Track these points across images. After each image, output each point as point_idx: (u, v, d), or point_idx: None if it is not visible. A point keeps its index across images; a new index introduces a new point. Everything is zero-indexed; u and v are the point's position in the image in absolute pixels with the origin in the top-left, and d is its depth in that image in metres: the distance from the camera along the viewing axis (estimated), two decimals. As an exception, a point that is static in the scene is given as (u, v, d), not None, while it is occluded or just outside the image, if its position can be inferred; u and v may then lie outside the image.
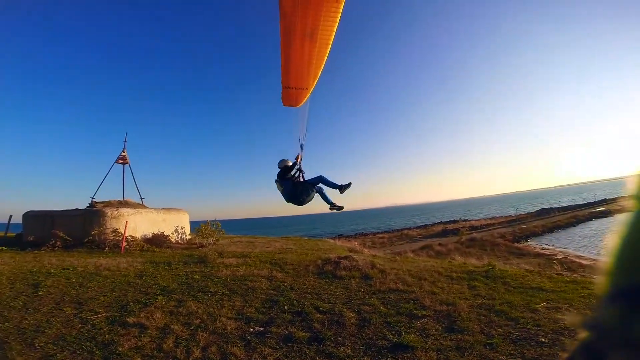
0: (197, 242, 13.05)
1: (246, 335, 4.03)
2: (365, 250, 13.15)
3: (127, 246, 10.95)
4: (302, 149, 5.87)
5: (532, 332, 3.73)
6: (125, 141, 15.42)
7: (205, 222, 14.16)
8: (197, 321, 4.48)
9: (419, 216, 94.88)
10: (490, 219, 47.93)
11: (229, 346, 3.70)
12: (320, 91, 6.23)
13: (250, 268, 7.86)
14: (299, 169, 5.80)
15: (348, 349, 3.58)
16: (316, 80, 6.29)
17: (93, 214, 11.79)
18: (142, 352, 3.58)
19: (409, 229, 44.49)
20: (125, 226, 11.28)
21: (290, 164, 5.77)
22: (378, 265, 7.39)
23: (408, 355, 3.36)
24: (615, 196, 57.27)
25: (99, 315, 4.68)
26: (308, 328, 4.18)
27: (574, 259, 15.93)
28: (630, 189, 0.44)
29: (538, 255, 18.12)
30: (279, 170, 5.79)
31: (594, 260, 15.99)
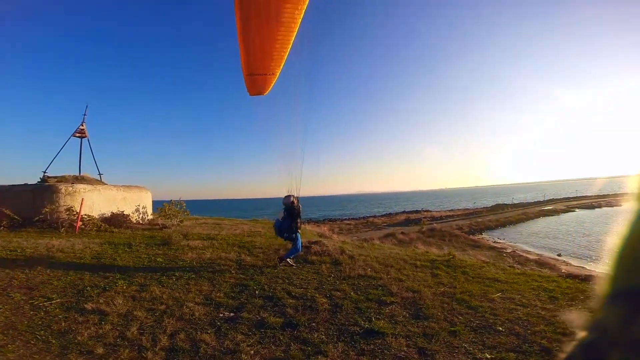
0: (159, 222, 12.49)
1: (216, 321, 3.94)
2: (334, 236, 13.39)
3: (83, 226, 10.21)
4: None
5: (490, 320, 3.99)
6: (85, 114, 14.27)
7: (169, 202, 13.56)
8: (163, 307, 4.30)
9: (383, 204, 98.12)
10: (450, 210, 50.78)
11: (199, 333, 3.59)
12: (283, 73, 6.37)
13: (218, 251, 7.69)
14: (299, 214, 6.70)
15: (322, 334, 3.62)
16: (282, 65, 6.08)
17: (45, 190, 10.80)
18: (104, 340, 3.37)
19: (374, 216, 45.89)
20: (81, 204, 10.47)
21: (295, 203, 6.61)
22: (347, 251, 7.54)
23: (379, 341, 3.47)
24: (562, 196, 62.94)
25: (53, 302, 4.32)
26: (281, 313, 4.17)
27: (521, 253, 17.40)
28: (632, 189, 0.45)
29: (491, 248, 19.55)
30: (289, 199, 6.62)
31: (538, 255, 17.56)
